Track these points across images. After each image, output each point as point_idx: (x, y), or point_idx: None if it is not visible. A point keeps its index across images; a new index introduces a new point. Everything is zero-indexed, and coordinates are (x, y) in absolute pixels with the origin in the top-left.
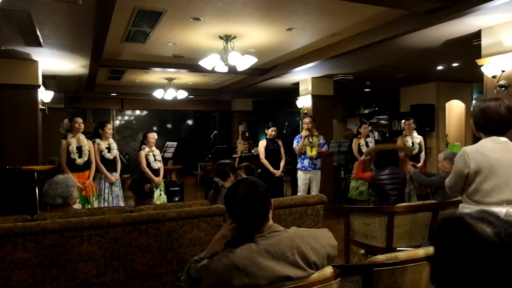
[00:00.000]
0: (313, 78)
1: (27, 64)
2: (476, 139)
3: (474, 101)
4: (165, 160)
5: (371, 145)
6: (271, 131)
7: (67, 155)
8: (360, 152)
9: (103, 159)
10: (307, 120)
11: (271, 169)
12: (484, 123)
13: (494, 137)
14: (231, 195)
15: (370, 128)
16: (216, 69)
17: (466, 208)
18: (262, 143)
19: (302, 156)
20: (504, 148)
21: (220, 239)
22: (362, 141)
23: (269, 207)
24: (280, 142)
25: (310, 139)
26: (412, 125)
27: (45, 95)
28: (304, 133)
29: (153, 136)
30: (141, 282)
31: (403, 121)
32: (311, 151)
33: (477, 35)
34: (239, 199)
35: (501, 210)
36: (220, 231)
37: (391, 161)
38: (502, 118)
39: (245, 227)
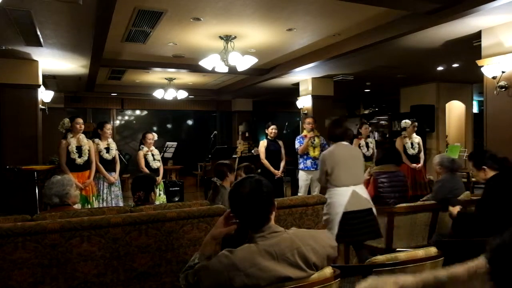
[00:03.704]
0: (313, 79)
1: (27, 64)
2: (475, 140)
3: (474, 102)
4: (165, 160)
5: (372, 145)
6: (271, 130)
7: (67, 155)
8: None
9: (102, 160)
10: (310, 120)
11: (272, 169)
12: (334, 135)
13: (339, 143)
14: (235, 190)
15: (370, 128)
16: (216, 69)
17: (332, 188)
18: (263, 143)
19: (305, 157)
20: (345, 148)
21: (210, 241)
22: (362, 142)
23: (271, 208)
24: (281, 143)
25: (313, 140)
26: (415, 128)
27: (45, 95)
28: (309, 134)
29: (152, 137)
30: (141, 282)
31: (403, 121)
32: (314, 152)
33: (478, 35)
34: (243, 195)
35: (348, 189)
36: (209, 233)
37: (393, 160)
38: (344, 131)
39: (246, 225)
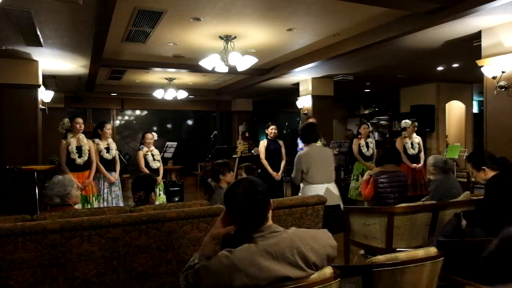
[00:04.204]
0: (313, 79)
1: (27, 64)
2: (475, 140)
3: (474, 102)
4: (165, 160)
5: (372, 145)
6: (271, 130)
7: (67, 155)
8: (361, 152)
9: (102, 159)
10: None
11: (270, 170)
12: (307, 137)
13: (312, 144)
14: (230, 193)
15: (371, 129)
16: (216, 69)
17: (307, 185)
18: (263, 143)
19: None
20: (318, 149)
21: (210, 241)
22: (362, 142)
23: (268, 207)
24: (281, 143)
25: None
26: (416, 128)
27: (45, 95)
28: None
29: (151, 136)
30: (141, 282)
31: (403, 121)
32: None
33: (477, 35)
34: (237, 197)
35: (323, 186)
36: (208, 233)
37: (393, 159)
38: (316, 134)
39: (243, 226)
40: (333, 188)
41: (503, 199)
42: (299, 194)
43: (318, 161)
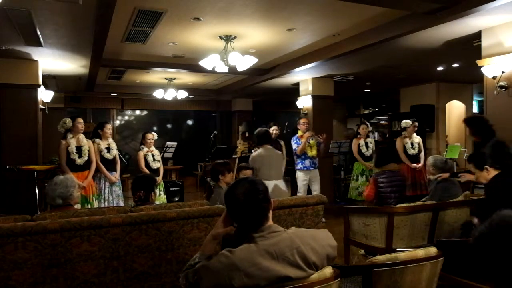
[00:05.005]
0: (313, 79)
1: (27, 64)
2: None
3: (474, 102)
4: (165, 160)
5: (371, 145)
6: (272, 130)
7: (67, 155)
8: (360, 152)
9: (103, 159)
10: (306, 120)
11: None
12: (261, 140)
13: (264, 146)
14: (230, 193)
15: (370, 128)
16: (216, 69)
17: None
18: None
19: (303, 157)
20: (270, 150)
21: (211, 240)
22: (362, 142)
23: (268, 207)
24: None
25: (309, 140)
26: (416, 128)
27: (45, 95)
28: (307, 134)
29: (151, 137)
30: (141, 282)
31: (404, 121)
32: (312, 151)
33: (478, 35)
34: (239, 197)
35: (272, 183)
36: (210, 232)
37: (392, 158)
38: (269, 136)
39: (244, 226)
40: (281, 184)
41: (506, 197)
42: None
43: (268, 160)
